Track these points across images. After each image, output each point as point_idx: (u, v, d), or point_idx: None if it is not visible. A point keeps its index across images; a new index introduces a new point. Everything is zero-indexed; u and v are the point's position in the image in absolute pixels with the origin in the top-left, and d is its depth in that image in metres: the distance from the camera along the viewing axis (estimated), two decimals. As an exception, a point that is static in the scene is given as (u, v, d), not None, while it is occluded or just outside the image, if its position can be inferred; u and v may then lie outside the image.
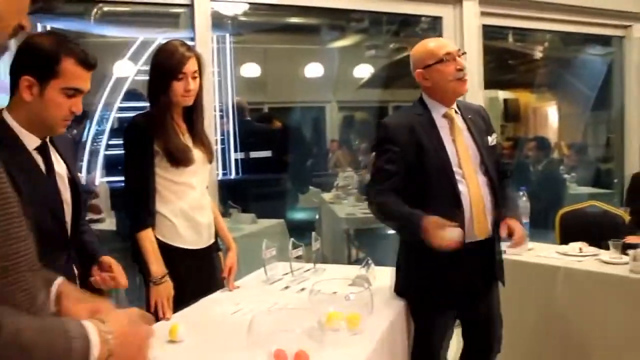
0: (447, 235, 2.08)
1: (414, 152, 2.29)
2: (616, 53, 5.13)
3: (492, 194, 2.35)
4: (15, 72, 1.67)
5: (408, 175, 2.29)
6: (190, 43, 2.45)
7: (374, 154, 2.43)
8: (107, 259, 1.95)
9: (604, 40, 5.44)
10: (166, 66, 2.21)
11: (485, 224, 2.33)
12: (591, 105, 6.81)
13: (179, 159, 2.25)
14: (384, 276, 2.58)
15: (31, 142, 1.71)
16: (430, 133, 2.32)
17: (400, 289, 2.41)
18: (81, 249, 1.96)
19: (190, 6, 3.34)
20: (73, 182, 1.87)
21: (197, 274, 2.34)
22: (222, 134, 5.91)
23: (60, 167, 1.83)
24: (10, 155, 1.60)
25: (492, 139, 2.44)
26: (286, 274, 2.60)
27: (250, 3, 4.11)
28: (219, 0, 3.51)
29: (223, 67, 6.08)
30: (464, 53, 2.37)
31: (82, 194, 1.92)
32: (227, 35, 6.15)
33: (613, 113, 5.43)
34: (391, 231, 5.44)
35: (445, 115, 2.37)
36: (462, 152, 2.33)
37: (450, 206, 2.26)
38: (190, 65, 2.23)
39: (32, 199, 1.54)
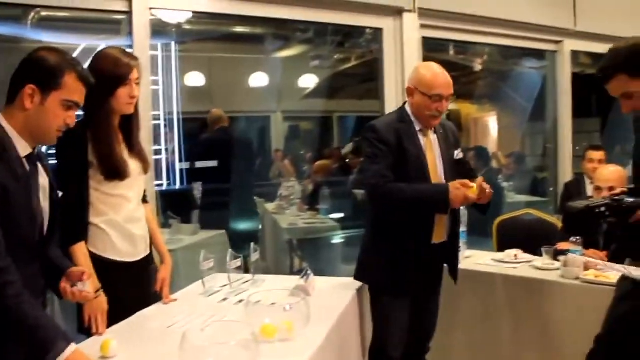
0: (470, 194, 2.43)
1: (398, 155, 2.55)
2: (549, 66, 5.32)
3: None
4: (19, 81, 1.74)
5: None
6: (128, 50, 2.43)
7: (365, 155, 2.65)
8: (77, 269, 1.92)
9: (539, 54, 5.63)
10: (112, 72, 2.18)
11: (442, 229, 2.65)
12: (528, 116, 7.04)
13: (115, 173, 2.20)
14: (324, 286, 2.61)
15: (23, 149, 1.74)
16: (413, 140, 2.60)
17: (361, 276, 2.71)
18: (47, 260, 1.91)
19: (129, 13, 3.28)
20: (52, 194, 1.86)
21: (133, 287, 2.29)
22: (167, 144, 5.80)
23: (43, 177, 1.83)
24: (3, 158, 1.67)
25: (457, 153, 2.73)
26: (224, 285, 2.57)
27: (193, 12, 4.05)
28: (158, 7, 3.45)
29: (168, 75, 5.98)
30: (453, 95, 2.61)
31: (58, 206, 1.90)
32: (173, 43, 6.06)
33: (548, 124, 5.62)
34: (335, 240, 5.53)
35: (420, 130, 2.64)
36: (431, 162, 2.63)
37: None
38: (135, 72, 2.23)
39: (19, 203, 1.68)
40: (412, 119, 2.63)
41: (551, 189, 5.90)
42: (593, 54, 5.57)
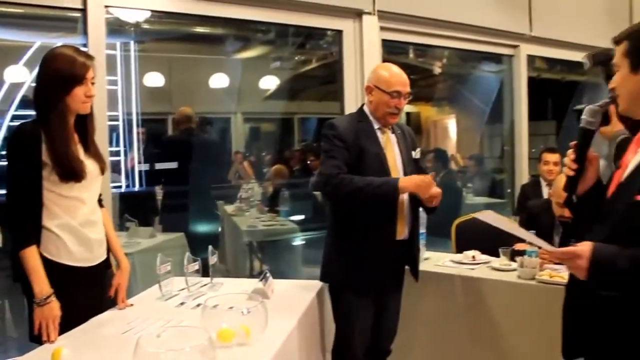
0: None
1: (356, 154, 2.63)
2: (506, 70, 5.42)
3: (410, 200, 2.71)
4: None
5: (348, 172, 2.61)
6: (83, 49, 2.38)
7: (323, 149, 2.70)
8: None
9: (496, 58, 5.73)
10: (68, 72, 2.13)
11: (403, 226, 2.71)
12: (486, 118, 7.16)
13: (71, 173, 2.13)
14: (283, 288, 2.59)
15: None
16: (372, 139, 2.69)
17: (328, 276, 2.74)
18: None
19: (84, 11, 3.20)
20: None
21: (88, 293, 2.22)
22: (125, 145, 5.69)
23: None
24: None
25: (415, 153, 2.82)
26: (182, 289, 2.53)
27: (150, 10, 3.98)
28: (114, 5, 3.37)
29: (127, 75, 5.87)
30: (410, 94, 2.73)
31: None
32: (132, 42, 5.95)
33: (505, 126, 5.71)
34: (295, 242, 5.51)
35: (379, 128, 2.73)
36: (391, 160, 2.71)
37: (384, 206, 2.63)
38: (91, 71, 2.19)
39: None
40: (371, 118, 2.74)
41: (508, 191, 6.01)
42: (548, 59, 5.73)
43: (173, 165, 4.91)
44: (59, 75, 2.13)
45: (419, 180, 2.59)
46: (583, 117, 1.81)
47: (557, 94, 7.63)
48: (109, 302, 2.33)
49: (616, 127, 2.24)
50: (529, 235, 1.87)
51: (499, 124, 6.64)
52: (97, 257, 2.28)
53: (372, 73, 2.80)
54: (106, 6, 3.26)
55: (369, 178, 2.58)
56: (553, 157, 4.55)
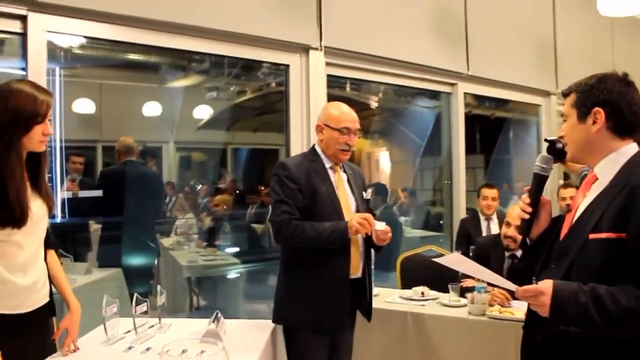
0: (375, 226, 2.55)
1: (309, 194, 2.61)
2: (443, 107, 5.57)
3: (364, 239, 2.71)
4: None
5: (301, 214, 2.59)
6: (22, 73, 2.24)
7: (273, 191, 2.66)
8: None
9: (432, 94, 5.88)
10: (30, 110, 1.98)
11: (357, 263, 2.69)
12: (421, 152, 7.32)
13: (12, 220, 1.96)
14: (235, 329, 2.50)
15: None
16: (324, 178, 2.68)
17: (280, 317, 2.66)
18: None
19: (24, 35, 3.04)
20: None
21: (21, 341, 2.02)
22: (50, 172, 5.42)
23: None
24: None
25: (366, 194, 2.83)
26: (128, 331, 2.39)
27: (90, 38, 3.83)
28: (55, 31, 3.21)
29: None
30: (360, 131, 2.77)
31: None
32: (57, 68, 5.73)
33: (441, 160, 5.85)
34: (235, 276, 5.37)
35: (331, 167, 2.74)
36: (343, 200, 2.69)
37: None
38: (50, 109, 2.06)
39: None
40: (322, 157, 2.75)
41: (441, 222, 6.13)
42: (478, 96, 5.95)
43: (113, 197, 4.67)
44: (19, 113, 1.97)
45: (360, 217, 2.55)
46: (537, 164, 1.91)
47: (485, 129, 7.94)
48: (51, 349, 2.16)
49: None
50: (494, 277, 1.86)
51: (432, 158, 6.80)
52: (32, 303, 2.09)
53: (322, 112, 2.83)
54: (48, 31, 3.10)
55: (319, 226, 2.55)
56: (491, 193, 4.69)
